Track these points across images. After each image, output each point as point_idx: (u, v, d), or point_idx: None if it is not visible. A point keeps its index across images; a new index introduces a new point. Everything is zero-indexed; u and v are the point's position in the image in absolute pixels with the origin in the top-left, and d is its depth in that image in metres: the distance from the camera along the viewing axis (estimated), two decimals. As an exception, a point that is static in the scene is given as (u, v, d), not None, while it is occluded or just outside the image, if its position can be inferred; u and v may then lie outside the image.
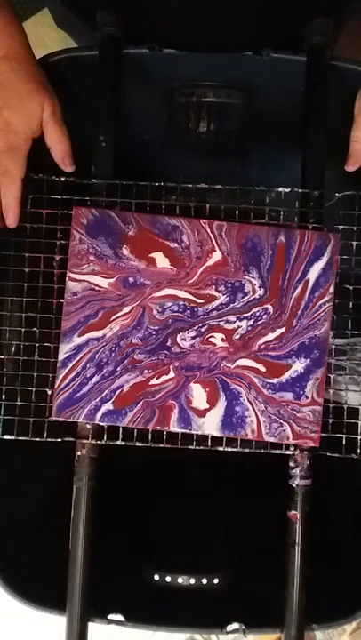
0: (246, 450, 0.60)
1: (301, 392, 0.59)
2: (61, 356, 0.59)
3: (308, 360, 0.59)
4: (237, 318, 0.60)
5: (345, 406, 0.61)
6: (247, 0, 0.62)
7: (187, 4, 0.62)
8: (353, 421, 0.61)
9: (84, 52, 0.67)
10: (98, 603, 0.62)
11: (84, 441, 0.60)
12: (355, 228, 0.61)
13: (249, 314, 0.59)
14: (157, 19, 0.64)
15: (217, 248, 0.59)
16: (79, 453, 0.61)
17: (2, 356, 0.64)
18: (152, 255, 0.59)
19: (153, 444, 0.60)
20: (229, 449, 0.60)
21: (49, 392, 0.61)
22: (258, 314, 0.59)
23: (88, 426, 0.60)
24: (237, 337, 0.59)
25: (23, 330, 0.62)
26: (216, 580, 0.69)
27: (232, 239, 0.59)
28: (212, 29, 0.65)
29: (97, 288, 0.59)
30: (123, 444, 0.60)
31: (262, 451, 0.60)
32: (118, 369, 0.59)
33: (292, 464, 0.61)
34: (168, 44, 0.65)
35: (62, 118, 0.62)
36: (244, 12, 0.64)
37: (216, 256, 0.59)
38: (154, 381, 0.59)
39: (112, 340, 0.59)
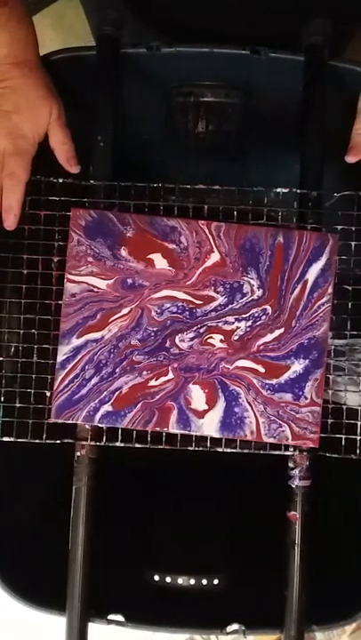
0: (245, 451, 0.60)
1: (300, 393, 0.59)
2: (60, 358, 0.59)
3: (307, 361, 0.59)
4: (236, 319, 0.59)
5: (344, 407, 0.61)
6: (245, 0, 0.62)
7: (185, 3, 0.62)
8: (352, 422, 0.61)
9: (84, 51, 0.67)
10: (98, 603, 0.62)
11: (84, 442, 0.60)
12: (353, 229, 0.61)
13: (248, 315, 0.59)
14: (156, 17, 0.64)
15: (215, 249, 0.59)
16: (78, 454, 0.61)
17: (1, 358, 0.64)
18: (150, 256, 0.59)
19: (152, 446, 0.60)
20: (229, 450, 0.60)
21: (48, 394, 0.61)
22: (257, 314, 0.59)
23: (87, 427, 0.60)
24: (236, 338, 0.59)
25: (22, 331, 0.62)
26: (216, 581, 0.69)
27: (230, 240, 0.59)
28: (209, 29, 0.64)
29: (95, 289, 0.59)
30: (122, 445, 0.60)
31: (262, 452, 0.60)
32: (117, 370, 0.59)
33: (291, 465, 0.60)
34: (165, 42, 0.65)
35: (66, 121, 0.62)
36: (242, 12, 0.63)
37: (215, 257, 0.59)
38: (153, 382, 0.59)
39: (111, 342, 0.59)
